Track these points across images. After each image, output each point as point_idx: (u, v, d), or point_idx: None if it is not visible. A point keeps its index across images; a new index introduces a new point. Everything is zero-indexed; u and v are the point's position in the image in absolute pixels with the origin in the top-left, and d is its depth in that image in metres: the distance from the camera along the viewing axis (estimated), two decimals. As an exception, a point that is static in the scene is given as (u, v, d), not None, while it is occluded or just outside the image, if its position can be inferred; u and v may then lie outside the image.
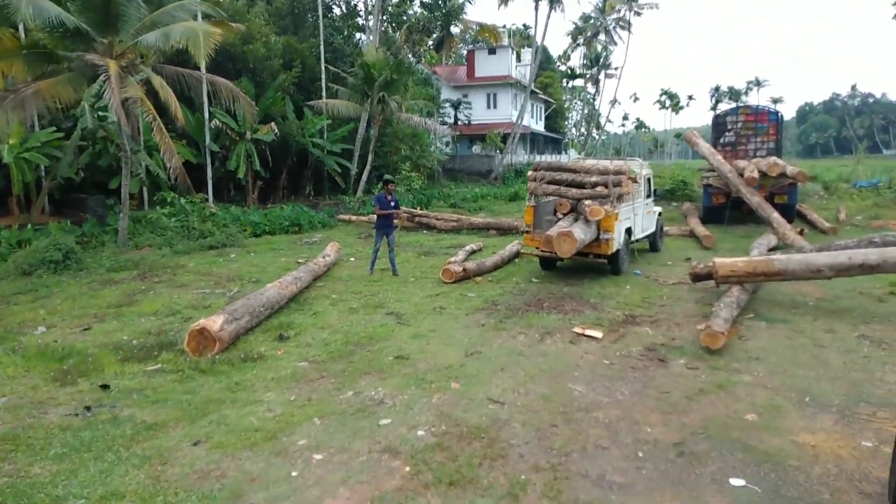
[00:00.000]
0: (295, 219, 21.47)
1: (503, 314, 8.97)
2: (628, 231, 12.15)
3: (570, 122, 79.23)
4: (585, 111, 75.72)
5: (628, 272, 12.18)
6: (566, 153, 59.79)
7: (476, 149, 44.86)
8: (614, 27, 66.02)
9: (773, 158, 18.48)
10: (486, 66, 47.36)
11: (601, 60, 62.88)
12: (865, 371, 6.75)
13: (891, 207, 21.00)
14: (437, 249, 15.44)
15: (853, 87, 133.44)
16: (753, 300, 9.91)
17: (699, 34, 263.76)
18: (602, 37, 66.96)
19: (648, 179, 13.67)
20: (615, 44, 66.77)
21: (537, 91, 55.20)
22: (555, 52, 75.26)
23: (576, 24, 68.27)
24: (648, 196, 13.60)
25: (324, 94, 27.04)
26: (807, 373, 6.70)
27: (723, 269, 9.22)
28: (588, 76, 66.88)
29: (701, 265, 10.26)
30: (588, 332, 7.96)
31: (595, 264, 11.67)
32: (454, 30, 47.50)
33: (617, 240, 11.27)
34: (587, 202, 10.85)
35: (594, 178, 11.14)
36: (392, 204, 11.97)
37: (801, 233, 16.58)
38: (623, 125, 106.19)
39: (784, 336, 8.00)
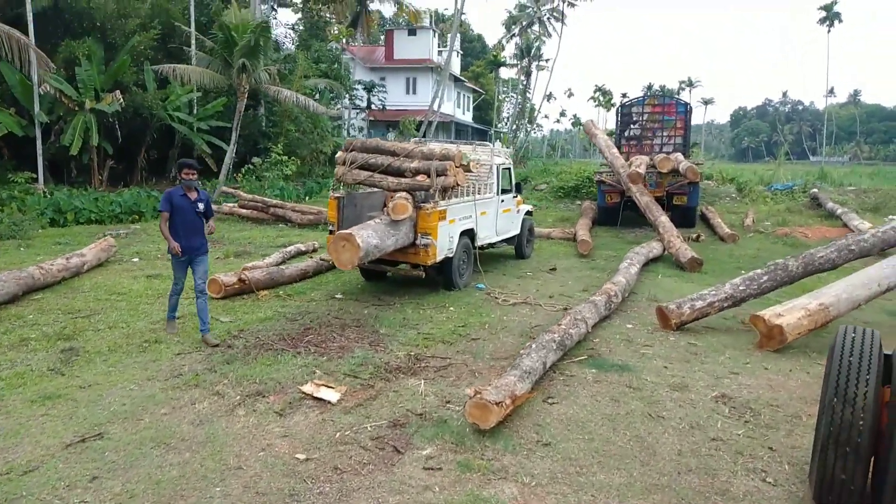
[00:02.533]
0: (133, 205, 18.17)
1: (230, 355, 6.19)
2: (469, 234, 9.57)
3: (504, 114, 77.12)
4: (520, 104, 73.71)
5: (469, 286, 9.63)
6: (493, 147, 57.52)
7: (391, 136, 41.91)
8: (548, 18, 64.18)
9: (667, 153, 16.37)
10: (406, 48, 44.45)
11: (532, 51, 60.75)
12: (706, 471, 4.30)
13: (801, 212, 19.28)
14: (263, 248, 12.54)
15: (784, 94, 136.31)
16: (601, 327, 7.48)
17: (635, 31, 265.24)
18: (536, 27, 65.07)
19: (507, 171, 11.14)
20: (549, 35, 64.97)
21: (462, 79, 52.67)
22: (490, 41, 72.87)
23: (510, 12, 66.13)
24: (507, 191, 11.08)
25: (193, 61, 23.59)
26: (612, 477, 4.19)
27: (792, 334, 6.79)
28: (520, 67, 64.76)
29: (686, 307, 7.57)
30: (322, 392, 5.27)
31: (411, 277, 9.02)
32: (373, 6, 44.38)
33: (443, 246, 8.66)
34: (400, 195, 8.18)
35: (415, 164, 8.48)
36: (198, 203, 6.67)
37: (697, 238, 14.52)
38: (559, 121, 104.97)
39: (611, 397, 5.51)
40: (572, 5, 62.10)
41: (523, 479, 4.11)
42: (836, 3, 69.34)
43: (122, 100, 20.35)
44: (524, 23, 64.65)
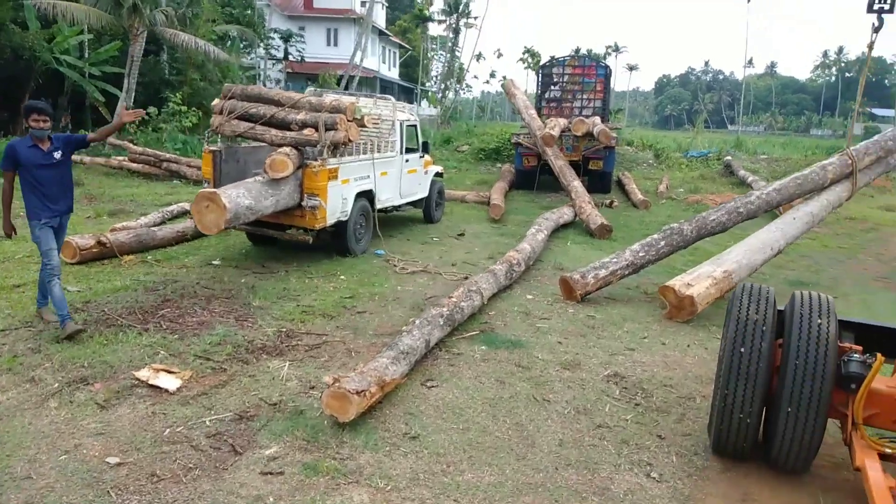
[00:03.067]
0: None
1: (69, 332, 5.30)
2: (367, 196, 8.85)
3: (433, 72, 75.41)
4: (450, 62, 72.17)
5: (368, 252, 8.96)
6: (419, 106, 56.25)
7: (310, 90, 40.00)
8: (478, -26, 62.65)
9: (586, 116, 16.06)
10: (327, -4, 42.25)
11: (460, 7, 59.35)
12: (587, 466, 3.87)
13: (714, 180, 19.54)
14: (145, 207, 11.38)
15: (706, 64, 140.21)
16: (500, 298, 7.00)
17: None
18: (465, -17, 63.49)
19: (413, 128, 10.42)
20: (478, -8, 63.56)
21: (388, 34, 50.93)
22: (420, -4, 70.27)
23: (439, -35, 64.12)
24: (413, 151, 10.37)
25: (82, -1, 21.35)
26: (482, 475, 3.69)
27: (702, 304, 6.63)
28: (448, 23, 63.28)
29: (591, 276, 7.25)
30: (160, 378, 4.51)
31: (299, 242, 8.24)
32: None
33: (335, 208, 7.91)
34: (281, 150, 7.33)
35: (301, 116, 7.63)
36: (53, 154, 5.31)
37: (611, 205, 14.33)
38: (488, 82, 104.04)
39: (496, 378, 5.02)
40: (502, -38, 61.06)
41: (378, 482, 3.54)
42: (756, -26, 70.89)
43: (-7, 38, 18.17)
44: (453, -23, 62.97)
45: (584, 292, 7.19)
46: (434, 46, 73.66)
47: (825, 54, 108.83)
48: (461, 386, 4.85)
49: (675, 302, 6.67)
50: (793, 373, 3.41)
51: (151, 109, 20.07)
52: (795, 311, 3.58)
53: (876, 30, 5.97)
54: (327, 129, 7.51)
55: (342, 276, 7.67)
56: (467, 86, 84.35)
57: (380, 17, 50.57)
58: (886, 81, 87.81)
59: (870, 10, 5.70)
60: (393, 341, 4.98)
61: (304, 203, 7.51)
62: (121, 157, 16.86)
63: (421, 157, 10.61)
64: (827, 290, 8.02)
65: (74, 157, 5.86)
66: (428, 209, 11.36)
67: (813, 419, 3.41)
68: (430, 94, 65.61)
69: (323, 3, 42.11)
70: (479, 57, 78.13)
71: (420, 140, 10.58)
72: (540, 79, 19.49)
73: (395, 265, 8.40)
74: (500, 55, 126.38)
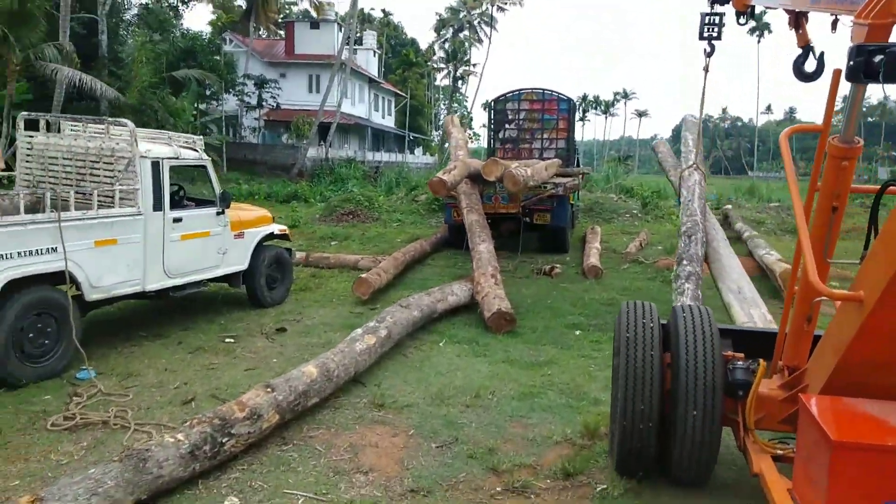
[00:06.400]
0: None
1: None
2: (56, 281, 5.32)
3: (441, 121, 73.07)
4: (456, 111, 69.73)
5: (69, 373, 5.40)
6: (412, 153, 53.45)
7: (285, 138, 37.29)
8: (478, 22, 60.79)
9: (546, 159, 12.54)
10: (308, 42, 40.00)
11: (458, 55, 57.12)
12: None
13: (708, 235, 15.66)
14: None
15: (723, 111, 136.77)
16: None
17: (571, 38, 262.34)
18: (466, 32, 61.71)
19: (201, 169, 6.97)
20: (480, 41, 61.57)
21: (379, 81, 48.55)
22: (424, 44, 68.26)
23: (440, 15, 62.43)
24: (204, 203, 6.93)
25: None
26: None
27: None
28: (447, 71, 61.16)
29: None
30: None
31: None
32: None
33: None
34: None
35: None
36: None
37: (551, 272, 10.60)
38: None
39: None
40: (502, 9, 59.19)
41: None
42: (765, 13, 68.01)
43: None
44: (455, 26, 61.22)
45: None
46: (438, 96, 71.41)
47: (844, 99, 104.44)
48: None
49: None
50: (684, 385, 3.44)
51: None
52: (679, 324, 3.63)
53: (708, 55, 6.01)
54: None
55: None
56: (475, 134, 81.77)
57: (371, 66, 48.35)
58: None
59: (701, 37, 5.70)
60: None
61: None
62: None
63: (220, 212, 7.05)
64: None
65: None
66: (253, 288, 7.77)
67: (708, 429, 3.43)
68: (431, 142, 62.84)
69: (305, 49, 39.77)
70: (485, 105, 75.53)
71: (217, 189, 7.06)
72: (492, 116, 16.10)
73: (71, 406, 4.79)
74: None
